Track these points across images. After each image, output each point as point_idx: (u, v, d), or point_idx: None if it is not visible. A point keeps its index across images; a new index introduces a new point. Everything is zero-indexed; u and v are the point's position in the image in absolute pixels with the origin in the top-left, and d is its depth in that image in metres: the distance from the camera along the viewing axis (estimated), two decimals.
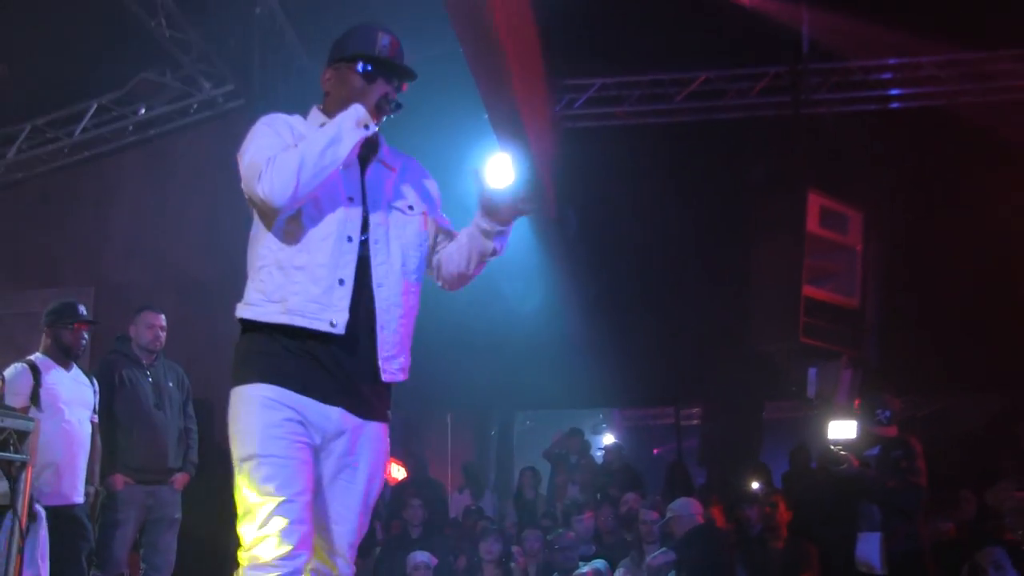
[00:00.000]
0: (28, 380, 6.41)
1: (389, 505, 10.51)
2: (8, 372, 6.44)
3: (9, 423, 5.49)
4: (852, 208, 9.22)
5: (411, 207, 3.50)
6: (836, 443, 6.90)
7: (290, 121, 3.43)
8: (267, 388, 3.20)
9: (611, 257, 11.07)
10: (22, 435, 5.54)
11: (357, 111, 3.30)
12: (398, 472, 12.33)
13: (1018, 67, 9.71)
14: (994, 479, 9.13)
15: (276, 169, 3.18)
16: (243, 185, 3.27)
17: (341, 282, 3.27)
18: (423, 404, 12.96)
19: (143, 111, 10.15)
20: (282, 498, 3.09)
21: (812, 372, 9.34)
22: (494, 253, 3.51)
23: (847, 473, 6.85)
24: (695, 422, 15.22)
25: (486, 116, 7.86)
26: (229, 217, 9.14)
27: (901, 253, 9.82)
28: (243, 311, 3.35)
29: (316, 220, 3.29)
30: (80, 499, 6.53)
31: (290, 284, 3.24)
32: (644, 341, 11.23)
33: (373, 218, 3.37)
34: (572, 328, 11.11)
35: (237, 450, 3.19)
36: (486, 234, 3.46)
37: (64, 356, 6.66)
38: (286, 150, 3.23)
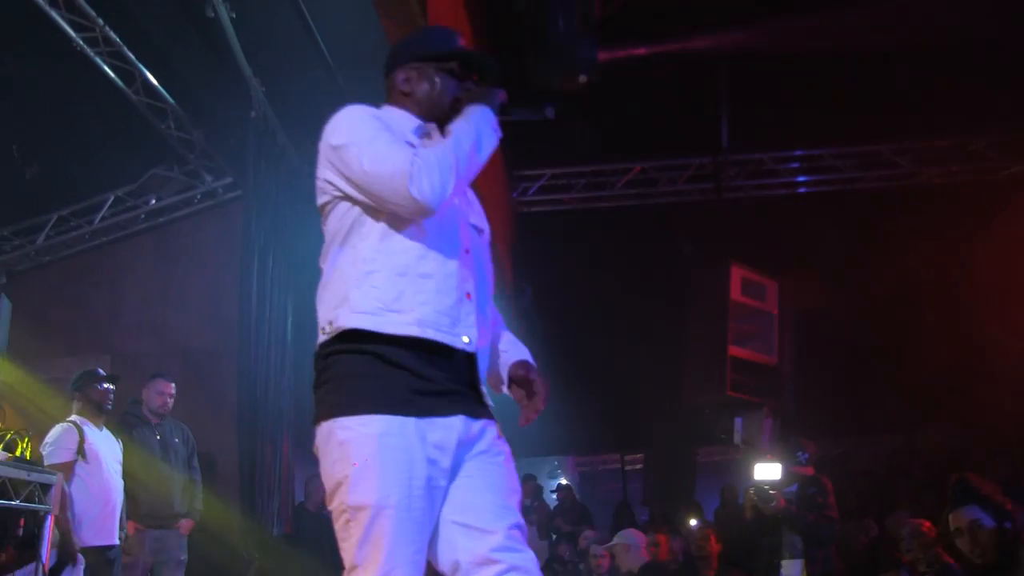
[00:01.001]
0: (75, 437, 6.35)
1: None
2: (55, 431, 6.40)
3: (35, 477, 5.43)
4: (769, 278, 9.25)
5: (481, 229, 2.88)
6: (764, 483, 6.90)
7: (383, 117, 2.73)
8: (383, 421, 2.46)
9: (563, 324, 11.03)
10: (45, 488, 5.49)
11: (490, 116, 2.74)
12: None
13: (901, 158, 9.82)
14: (892, 509, 9.12)
15: (429, 170, 2.52)
16: (374, 185, 2.56)
17: (468, 296, 2.69)
18: None
19: (153, 201, 10.13)
20: (400, 560, 2.42)
21: (738, 421, 9.30)
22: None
23: (776, 509, 6.83)
24: (638, 467, 15.12)
25: None
26: (228, 293, 9.09)
27: (811, 316, 9.83)
28: (355, 320, 2.53)
29: (438, 226, 2.66)
30: (115, 541, 6.48)
31: (416, 293, 2.56)
32: (593, 396, 11.19)
33: (469, 231, 2.81)
34: None
35: (347, 496, 2.44)
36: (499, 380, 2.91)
37: (97, 413, 6.59)
38: (422, 150, 2.59)
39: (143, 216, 10.21)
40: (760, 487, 6.92)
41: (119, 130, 8.79)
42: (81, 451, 6.32)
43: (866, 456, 12.14)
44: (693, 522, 9.10)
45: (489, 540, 2.53)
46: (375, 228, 2.62)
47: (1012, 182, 9.64)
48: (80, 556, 5.89)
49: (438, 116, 2.79)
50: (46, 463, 6.06)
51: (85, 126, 8.47)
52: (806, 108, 8.87)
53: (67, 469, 6.11)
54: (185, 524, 7.21)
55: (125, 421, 7.18)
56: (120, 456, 6.66)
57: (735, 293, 8.85)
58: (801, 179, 10.21)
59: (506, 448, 2.70)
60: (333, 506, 2.49)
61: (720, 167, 9.73)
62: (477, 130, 2.68)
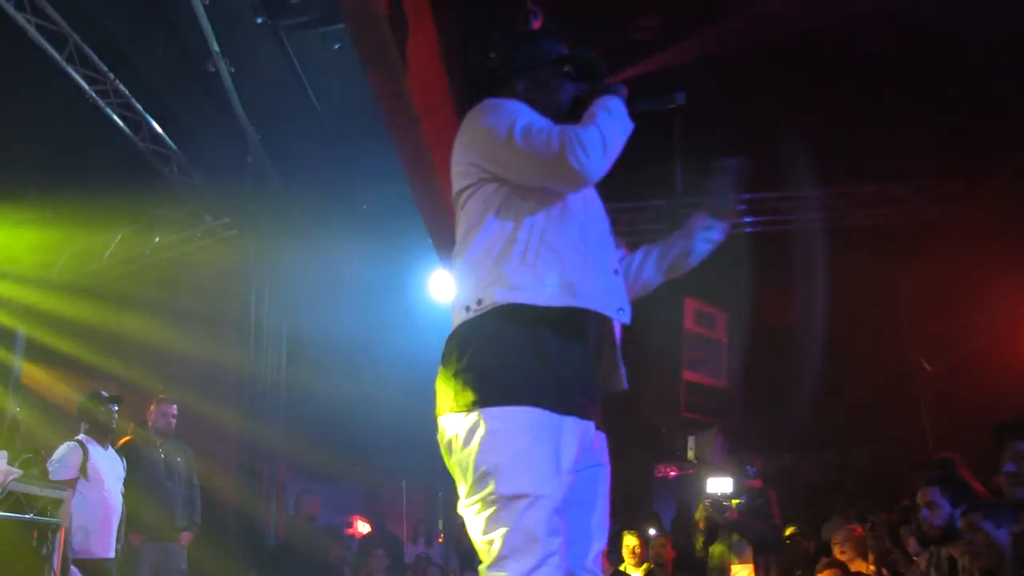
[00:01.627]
0: (78, 455, 6.32)
1: (356, 555, 10.22)
2: (61, 449, 6.37)
3: (47, 492, 5.38)
4: (719, 310, 9.28)
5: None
6: (717, 495, 6.92)
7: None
8: (536, 413, 2.29)
9: None
10: (56, 503, 5.42)
11: (622, 105, 2.61)
12: (363, 527, 12.03)
13: (835, 201, 9.91)
14: (829, 516, 9.16)
15: (584, 143, 2.38)
16: (526, 162, 2.43)
17: (616, 272, 2.59)
18: (382, 472, 12.72)
19: (157, 240, 10.05)
20: (553, 548, 2.23)
21: (691, 439, 9.30)
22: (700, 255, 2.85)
23: (728, 520, 6.85)
24: None
25: (430, 240, 7.84)
26: (228, 323, 9.03)
27: (756, 344, 9.87)
28: (514, 295, 2.35)
29: (583, 206, 2.57)
30: (112, 554, 6.40)
31: (572, 267, 2.42)
32: None
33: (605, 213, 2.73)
34: None
35: (499, 483, 2.25)
36: (707, 231, 2.89)
37: (102, 434, 6.55)
38: (571, 126, 2.46)
39: (148, 252, 10.14)
40: (715, 499, 6.93)
41: (127, 176, 8.76)
42: (83, 470, 6.28)
43: (805, 471, 12.18)
44: (652, 531, 9.06)
45: (578, 558, 2.40)
46: (524, 207, 2.48)
47: (932, 223, 9.75)
48: (74, 568, 5.80)
49: (562, 119, 2.61)
50: (51, 479, 5.99)
51: (96, 171, 8.44)
52: (752, 155, 8.92)
53: (69, 486, 6.03)
54: (186, 537, 7.16)
55: (131, 442, 7.14)
56: (122, 474, 6.62)
57: (688, 323, 8.86)
58: (747, 219, 10.23)
59: (607, 464, 2.57)
60: (476, 498, 2.30)
61: (674, 209, 9.75)
62: (616, 116, 2.56)
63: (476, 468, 2.30)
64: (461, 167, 2.56)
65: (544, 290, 2.37)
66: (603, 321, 2.57)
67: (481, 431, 2.29)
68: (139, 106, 8.02)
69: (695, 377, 8.80)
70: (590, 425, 2.45)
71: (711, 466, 8.62)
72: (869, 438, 11.34)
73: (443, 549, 12.23)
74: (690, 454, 9.37)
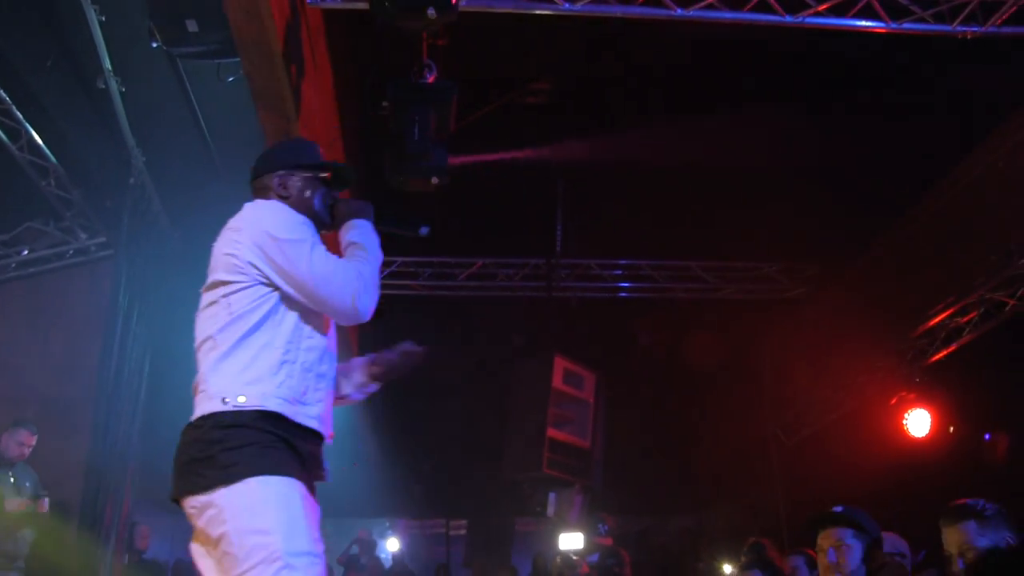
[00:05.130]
0: None
1: None
2: None
3: None
4: (588, 370, 9.45)
5: None
6: (569, 551, 7.02)
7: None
8: (301, 487, 2.51)
9: (400, 399, 11.04)
10: None
11: (374, 233, 2.87)
12: None
13: (706, 274, 10.28)
14: None
15: (368, 286, 2.68)
16: (320, 288, 2.63)
17: (331, 395, 2.83)
18: None
19: (25, 252, 9.72)
20: None
21: (552, 496, 9.40)
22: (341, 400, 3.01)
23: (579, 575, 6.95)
24: (462, 532, 15.08)
25: None
26: (90, 347, 8.78)
27: (621, 407, 10.10)
28: (275, 404, 2.55)
29: (331, 332, 2.80)
30: None
31: (315, 392, 2.66)
32: (422, 466, 11.18)
33: None
34: (365, 452, 10.97)
35: (283, 543, 2.39)
36: (357, 387, 3.05)
37: None
38: (357, 265, 2.72)
39: (14, 265, 9.78)
40: (565, 555, 7.04)
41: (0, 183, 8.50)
42: None
43: (661, 533, 12.46)
44: None
45: None
46: (289, 318, 2.66)
47: (793, 302, 10.21)
48: None
49: (310, 219, 2.84)
50: None
51: None
52: (630, 222, 9.22)
53: None
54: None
55: None
56: None
57: (557, 381, 9.01)
58: (622, 284, 10.47)
59: None
60: (260, 557, 2.39)
61: (552, 268, 9.97)
62: (375, 248, 2.83)
63: (250, 528, 2.43)
64: (237, 262, 2.68)
65: (297, 407, 2.59)
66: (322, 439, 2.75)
67: (258, 494, 2.44)
68: (19, 114, 7.82)
69: (559, 435, 8.94)
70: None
71: (569, 524, 8.76)
72: (724, 504, 11.70)
73: None
74: (550, 511, 9.48)
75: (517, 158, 7.52)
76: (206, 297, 2.71)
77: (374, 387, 3.13)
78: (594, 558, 7.22)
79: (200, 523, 2.51)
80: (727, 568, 7.00)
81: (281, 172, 2.92)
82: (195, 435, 2.54)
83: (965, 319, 8.25)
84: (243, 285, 2.66)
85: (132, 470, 8.81)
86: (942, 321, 8.42)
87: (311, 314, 2.70)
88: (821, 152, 7.58)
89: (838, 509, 3.86)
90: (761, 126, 7.09)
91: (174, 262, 8.83)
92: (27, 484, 7.03)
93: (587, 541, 7.13)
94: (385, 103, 5.62)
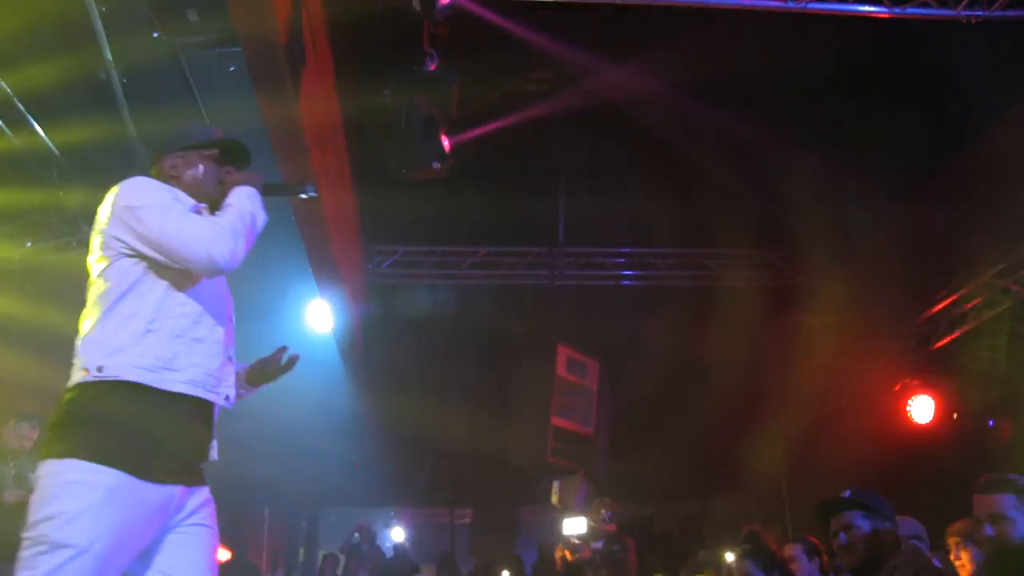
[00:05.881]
0: None
1: None
2: None
3: None
4: (591, 359, 9.46)
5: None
6: (572, 535, 7.04)
7: (170, 190, 2.88)
8: (118, 476, 2.49)
9: (404, 388, 11.06)
10: None
11: (257, 196, 2.93)
12: (224, 555, 11.76)
13: (710, 261, 10.27)
14: (685, 566, 9.41)
15: (225, 236, 2.71)
16: (174, 244, 2.68)
17: (230, 359, 2.86)
18: (244, 499, 12.48)
19: (29, 244, 9.68)
20: None
21: (556, 484, 9.42)
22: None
23: (581, 559, 6.96)
24: (466, 520, 15.11)
25: (310, 269, 7.82)
26: None
27: (624, 394, 10.10)
28: (133, 374, 2.60)
29: (210, 294, 2.83)
30: None
31: (188, 356, 2.69)
32: (426, 455, 11.20)
33: (230, 302, 2.99)
34: (370, 442, 10.99)
35: (54, 531, 2.41)
36: (246, 392, 3.09)
37: None
38: (214, 218, 2.79)
39: (18, 256, 9.76)
40: (567, 539, 7.06)
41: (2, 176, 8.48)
42: None
43: (665, 519, 12.47)
44: (505, 574, 9.13)
45: None
46: (157, 287, 2.73)
47: (797, 289, 10.19)
48: None
49: (202, 198, 2.93)
50: None
51: None
52: (634, 210, 9.21)
53: None
54: None
55: None
56: None
57: (560, 370, 9.02)
58: (625, 272, 10.49)
59: (214, 523, 2.79)
60: (30, 534, 2.44)
61: (555, 257, 9.96)
62: (252, 208, 2.87)
63: (40, 509, 2.47)
64: (104, 238, 2.78)
65: (161, 374, 2.63)
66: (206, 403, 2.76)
67: (62, 478, 2.47)
68: (21, 106, 7.80)
69: (563, 423, 8.96)
70: (177, 489, 2.64)
71: (573, 511, 8.77)
72: (727, 490, 11.70)
73: None
74: (554, 499, 9.49)
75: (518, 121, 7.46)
76: (91, 277, 2.81)
77: (252, 392, 3.14)
78: (599, 544, 7.22)
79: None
80: (729, 555, 7.01)
81: (172, 155, 3.01)
82: (63, 401, 2.63)
83: (969, 305, 8.24)
84: (112, 260, 2.75)
85: None
86: (946, 307, 8.41)
87: (183, 281, 2.76)
88: (826, 136, 7.55)
89: (846, 494, 3.85)
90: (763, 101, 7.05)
91: None
92: (30, 475, 7.01)
93: (591, 528, 7.14)
94: (387, 91, 5.61)
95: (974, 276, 7.87)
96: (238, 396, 2.98)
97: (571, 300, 10.10)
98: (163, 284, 2.74)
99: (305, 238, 7.17)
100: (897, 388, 8.91)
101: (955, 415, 8.38)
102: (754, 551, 4.82)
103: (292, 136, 5.66)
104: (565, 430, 9.00)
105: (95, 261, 2.79)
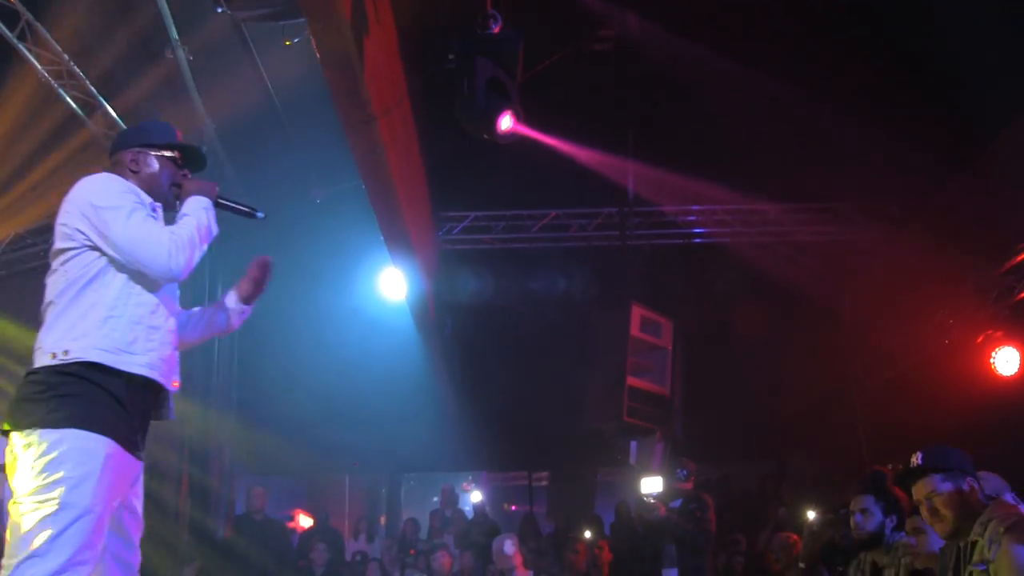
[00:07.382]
0: None
1: (298, 548, 10.19)
2: None
3: None
4: (664, 318, 9.35)
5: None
6: (648, 495, 6.97)
7: (135, 191, 3.05)
8: (113, 445, 2.77)
9: (479, 353, 11.10)
10: None
11: (211, 210, 3.12)
12: (306, 521, 11.99)
13: (783, 217, 10.08)
14: (764, 525, 9.33)
15: (182, 246, 2.92)
16: (136, 249, 2.89)
17: (176, 348, 3.08)
18: (326, 467, 12.69)
19: None
20: (87, 557, 2.65)
21: (633, 444, 9.36)
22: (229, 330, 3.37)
23: (656, 518, 6.90)
24: (544, 483, 15.18)
25: (382, 238, 7.87)
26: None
27: (699, 353, 9.99)
28: (96, 355, 2.81)
29: (163, 290, 3.03)
30: None
31: (145, 342, 2.91)
32: (504, 419, 11.24)
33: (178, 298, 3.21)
34: (448, 407, 11.07)
35: (64, 493, 2.64)
36: (233, 313, 3.34)
37: None
38: (175, 228, 2.98)
39: None
40: (642, 498, 7.00)
41: (76, 159, 8.64)
42: None
43: (743, 478, 12.36)
44: (587, 534, 9.14)
45: None
46: (117, 279, 2.93)
47: (872, 243, 9.95)
48: None
49: (157, 195, 3.14)
50: None
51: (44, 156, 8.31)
52: (702, 169, 9.09)
53: None
54: None
55: None
56: None
57: (634, 329, 8.93)
58: (696, 231, 10.37)
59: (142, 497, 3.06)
60: (37, 497, 2.64)
61: (625, 217, 9.88)
62: (207, 221, 3.07)
63: (45, 474, 2.68)
64: (67, 229, 2.96)
65: (122, 356, 2.85)
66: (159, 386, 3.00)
67: (67, 445, 2.70)
68: (94, 90, 7.94)
69: (639, 383, 8.89)
70: (140, 465, 2.96)
71: (651, 471, 8.71)
72: (806, 448, 11.54)
73: (385, 545, 12.22)
74: (632, 459, 9.45)
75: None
76: (52, 265, 2.99)
77: (248, 309, 3.39)
78: (676, 503, 7.15)
79: (16, 452, 2.76)
80: (811, 513, 6.89)
81: (134, 149, 3.16)
82: (32, 379, 2.82)
83: None
84: (75, 252, 2.93)
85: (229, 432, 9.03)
86: None
87: (141, 274, 2.95)
88: (898, 88, 7.33)
89: (919, 460, 3.70)
90: (835, 61, 6.87)
91: (248, 225, 8.93)
92: None
93: (668, 487, 7.06)
94: (451, 55, 5.56)
95: None
96: (241, 316, 3.34)
97: (643, 260, 10.02)
98: (123, 276, 2.94)
99: (376, 207, 7.20)
100: (979, 340, 8.66)
101: None
102: (877, 488, 4.65)
103: (359, 107, 5.65)
104: (641, 390, 8.93)
105: (56, 251, 2.97)
